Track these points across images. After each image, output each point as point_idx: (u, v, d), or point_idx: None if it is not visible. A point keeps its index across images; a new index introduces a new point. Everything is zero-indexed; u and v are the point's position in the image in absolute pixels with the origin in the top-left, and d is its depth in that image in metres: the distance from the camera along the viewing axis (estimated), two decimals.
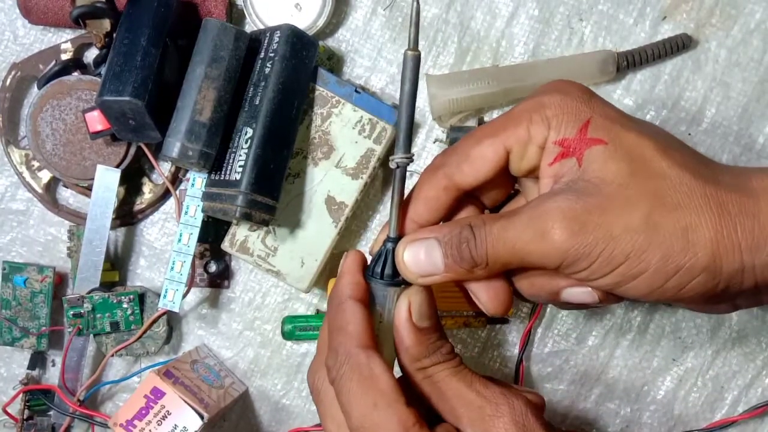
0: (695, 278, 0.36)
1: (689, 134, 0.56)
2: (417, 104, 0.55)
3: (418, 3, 0.36)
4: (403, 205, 0.41)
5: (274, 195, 0.51)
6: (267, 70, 0.51)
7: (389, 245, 0.40)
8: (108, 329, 0.55)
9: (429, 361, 0.39)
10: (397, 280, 0.40)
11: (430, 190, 0.41)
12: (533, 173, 0.40)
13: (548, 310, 0.57)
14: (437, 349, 0.39)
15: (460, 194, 0.41)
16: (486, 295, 0.40)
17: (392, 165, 0.39)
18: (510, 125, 0.40)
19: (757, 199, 0.36)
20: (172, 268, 0.53)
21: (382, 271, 0.40)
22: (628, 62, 0.55)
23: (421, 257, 0.39)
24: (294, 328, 0.56)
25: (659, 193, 0.36)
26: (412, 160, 0.39)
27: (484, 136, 0.40)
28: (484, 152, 0.40)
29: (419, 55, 0.38)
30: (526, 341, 0.57)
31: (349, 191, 0.54)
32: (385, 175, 0.57)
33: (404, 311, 0.39)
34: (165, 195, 0.58)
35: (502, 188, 0.43)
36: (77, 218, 0.57)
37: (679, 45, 0.55)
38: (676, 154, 0.37)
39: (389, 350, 0.40)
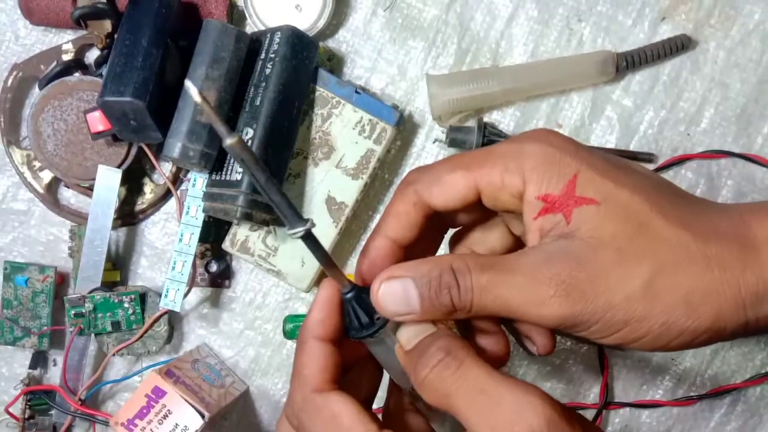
0: (699, 337, 0.35)
1: (688, 134, 0.57)
2: (418, 105, 0.57)
3: (204, 99, 0.31)
4: (379, 222, 0.40)
5: None
6: (267, 70, 0.51)
7: (348, 296, 0.37)
8: (109, 329, 0.55)
9: (424, 370, 0.35)
10: (378, 323, 0.37)
11: (401, 205, 0.39)
12: (510, 213, 0.39)
13: None
14: (425, 352, 0.35)
15: (431, 212, 0.39)
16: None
17: (297, 237, 0.35)
18: (486, 165, 0.38)
19: (757, 251, 0.35)
20: (174, 267, 0.53)
21: (360, 324, 0.37)
22: (628, 63, 0.55)
23: (397, 296, 0.36)
24: (296, 328, 0.56)
25: (658, 257, 0.35)
26: (313, 225, 0.35)
27: (459, 166, 0.39)
28: (455, 181, 0.38)
29: (240, 137, 0.32)
30: None
31: (349, 191, 0.54)
32: (385, 175, 0.57)
33: (398, 349, 0.37)
34: (166, 195, 0.58)
35: (477, 216, 0.42)
36: (79, 218, 0.57)
37: (678, 46, 0.55)
38: (672, 210, 0.36)
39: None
